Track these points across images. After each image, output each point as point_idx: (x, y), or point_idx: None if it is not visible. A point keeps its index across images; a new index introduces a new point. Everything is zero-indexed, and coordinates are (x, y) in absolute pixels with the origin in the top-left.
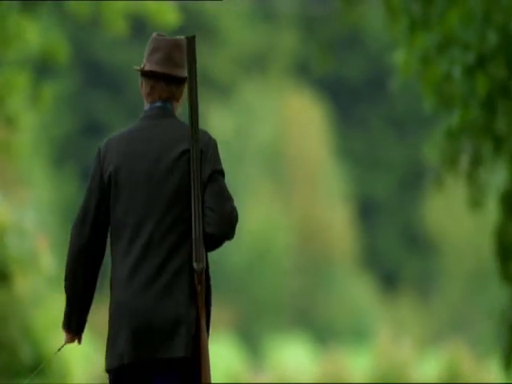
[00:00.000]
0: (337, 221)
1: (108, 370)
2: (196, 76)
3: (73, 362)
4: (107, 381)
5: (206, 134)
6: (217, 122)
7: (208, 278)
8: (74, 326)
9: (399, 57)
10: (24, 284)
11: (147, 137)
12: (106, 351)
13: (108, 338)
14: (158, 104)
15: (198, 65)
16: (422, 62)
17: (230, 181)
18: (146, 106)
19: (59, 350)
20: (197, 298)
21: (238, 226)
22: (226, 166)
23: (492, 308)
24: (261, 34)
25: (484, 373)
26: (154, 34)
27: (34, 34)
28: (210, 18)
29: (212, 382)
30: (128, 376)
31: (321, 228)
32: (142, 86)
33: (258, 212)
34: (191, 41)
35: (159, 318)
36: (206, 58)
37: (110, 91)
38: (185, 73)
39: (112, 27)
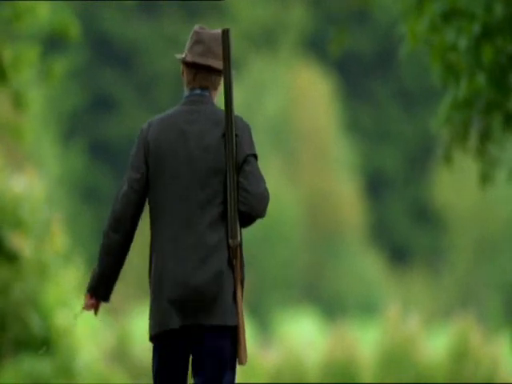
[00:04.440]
0: (346, 195)
1: (152, 336)
2: (230, 66)
3: (82, 339)
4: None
5: (241, 119)
6: None
7: (241, 254)
8: (103, 291)
9: (408, 25)
10: (34, 256)
11: (188, 119)
12: (150, 319)
13: (151, 308)
14: (198, 91)
15: (232, 55)
16: (429, 31)
17: None
18: (186, 93)
19: (77, 316)
20: (233, 271)
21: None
22: None
23: (501, 282)
24: (270, 9)
25: (493, 347)
26: (197, 27)
27: (45, 9)
28: None
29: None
30: (171, 342)
31: (330, 202)
32: (183, 74)
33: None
34: (226, 33)
35: (201, 288)
36: None
37: (119, 66)
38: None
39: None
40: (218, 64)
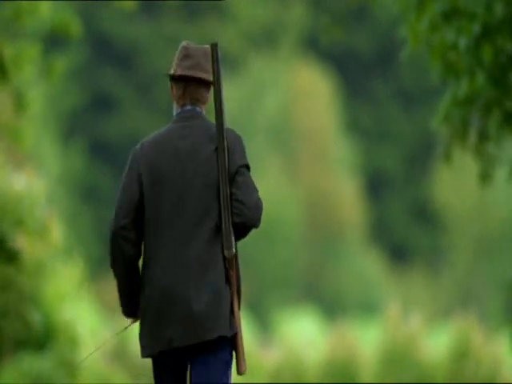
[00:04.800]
0: (345, 195)
1: (151, 355)
2: (220, 78)
3: (81, 336)
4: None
5: (232, 131)
6: (226, 95)
7: (237, 265)
8: (128, 310)
9: (408, 25)
10: (33, 254)
11: (181, 135)
12: (146, 337)
13: (145, 326)
14: (189, 107)
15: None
16: (429, 30)
17: None
18: (177, 110)
19: (122, 331)
20: (230, 282)
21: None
22: None
23: (501, 281)
24: (270, 8)
25: (494, 347)
26: (184, 43)
27: (47, 9)
28: None
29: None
30: (171, 359)
31: (330, 202)
32: (172, 90)
33: (266, 186)
34: (214, 47)
35: (200, 305)
36: (215, 32)
37: (119, 66)
38: (211, 78)
39: (122, 2)
40: (207, 76)
